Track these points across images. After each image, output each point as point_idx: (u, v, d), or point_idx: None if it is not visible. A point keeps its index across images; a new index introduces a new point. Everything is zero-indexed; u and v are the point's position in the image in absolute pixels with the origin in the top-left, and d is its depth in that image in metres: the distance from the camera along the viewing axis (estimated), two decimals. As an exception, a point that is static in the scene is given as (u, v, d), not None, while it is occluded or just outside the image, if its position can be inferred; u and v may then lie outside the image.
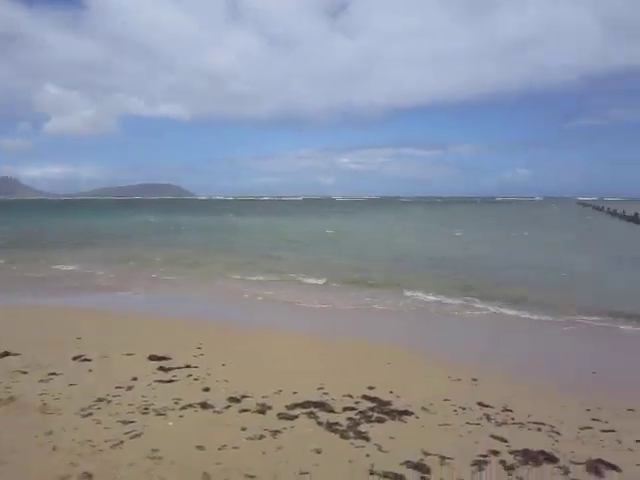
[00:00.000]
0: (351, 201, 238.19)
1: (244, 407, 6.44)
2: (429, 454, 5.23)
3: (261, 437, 5.57)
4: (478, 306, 14.33)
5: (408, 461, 5.05)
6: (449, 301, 15.02)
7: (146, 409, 6.28)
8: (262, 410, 6.35)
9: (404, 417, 6.25)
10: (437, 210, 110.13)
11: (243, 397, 6.80)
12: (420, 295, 15.87)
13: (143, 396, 6.73)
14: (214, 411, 6.31)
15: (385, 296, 15.81)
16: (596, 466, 5.07)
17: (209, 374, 7.82)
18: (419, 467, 4.95)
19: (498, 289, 16.39)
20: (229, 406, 6.48)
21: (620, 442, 5.74)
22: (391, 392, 7.10)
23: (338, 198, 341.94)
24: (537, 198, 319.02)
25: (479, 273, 20.12)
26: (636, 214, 57.91)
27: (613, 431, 6.06)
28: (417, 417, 6.26)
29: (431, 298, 15.50)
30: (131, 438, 5.46)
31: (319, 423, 5.98)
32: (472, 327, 12.43)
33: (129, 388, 7.07)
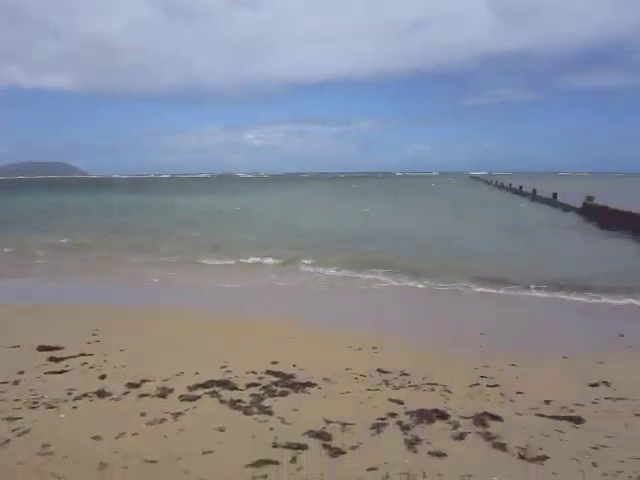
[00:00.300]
0: (256, 178, 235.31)
1: (144, 392, 6.24)
2: (331, 422, 5.39)
3: (162, 421, 5.43)
4: (381, 278, 14.87)
5: (311, 430, 5.18)
6: (352, 275, 15.46)
7: (35, 403, 5.89)
8: (163, 394, 6.18)
9: (307, 389, 6.38)
10: (340, 185, 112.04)
11: (143, 382, 6.57)
12: (325, 270, 16.18)
13: (31, 390, 6.30)
14: (111, 399, 6.05)
15: (289, 272, 15.98)
16: (482, 418, 5.51)
17: (106, 361, 7.47)
18: (321, 435, 5.09)
19: (401, 261, 17.04)
20: (127, 392, 6.24)
21: (503, 395, 6.27)
22: (294, 366, 7.21)
23: (243, 175, 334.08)
24: (434, 173, 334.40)
25: (383, 247, 20.82)
26: (520, 187, 62.90)
27: (498, 385, 6.60)
28: (319, 388, 6.42)
29: (335, 272, 15.86)
30: (18, 435, 5.10)
31: (222, 402, 5.94)
32: (374, 299, 12.90)
33: (15, 382, 6.57)
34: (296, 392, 6.28)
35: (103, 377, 6.78)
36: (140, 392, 6.23)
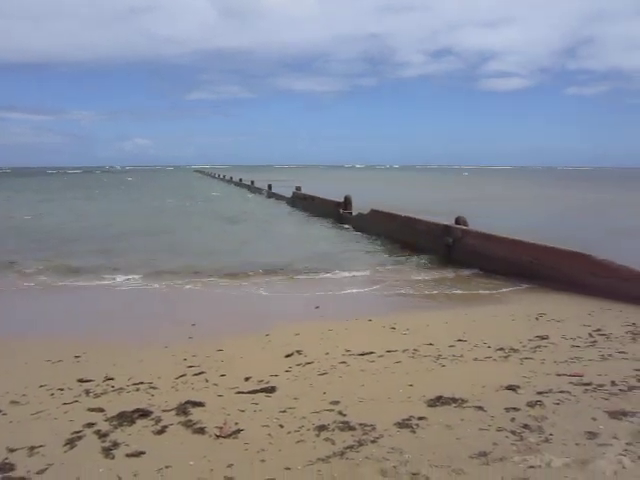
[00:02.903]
0: None
1: None
2: (15, 450, 4.78)
3: None
4: (88, 279, 13.83)
5: (-12, 467, 4.52)
6: (56, 281, 13.93)
7: None
8: None
9: (-10, 419, 5.55)
10: (51, 182, 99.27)
11: None
12: (24, 278, 14.22)
13: None
14: None
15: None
16: (184, 408, 5.60)
17: None
18: (1, 468, 4.49)
19: (115, 259, 16.16)
20: None
21: (208, 380, 6.50)
22: (-29, 395, 6.18)
23: None
24: (169, 168, 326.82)
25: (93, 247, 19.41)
26: (240, 180, 67.64)
27: (203, 372, 6.81)
28: (4, 414, 5.63)
29: (43, 279, 14.06)
30: None
31: None
32: (83, 302, 11.96)
33: None
34: (-30, 426, 5.39)
35: None
36: None
